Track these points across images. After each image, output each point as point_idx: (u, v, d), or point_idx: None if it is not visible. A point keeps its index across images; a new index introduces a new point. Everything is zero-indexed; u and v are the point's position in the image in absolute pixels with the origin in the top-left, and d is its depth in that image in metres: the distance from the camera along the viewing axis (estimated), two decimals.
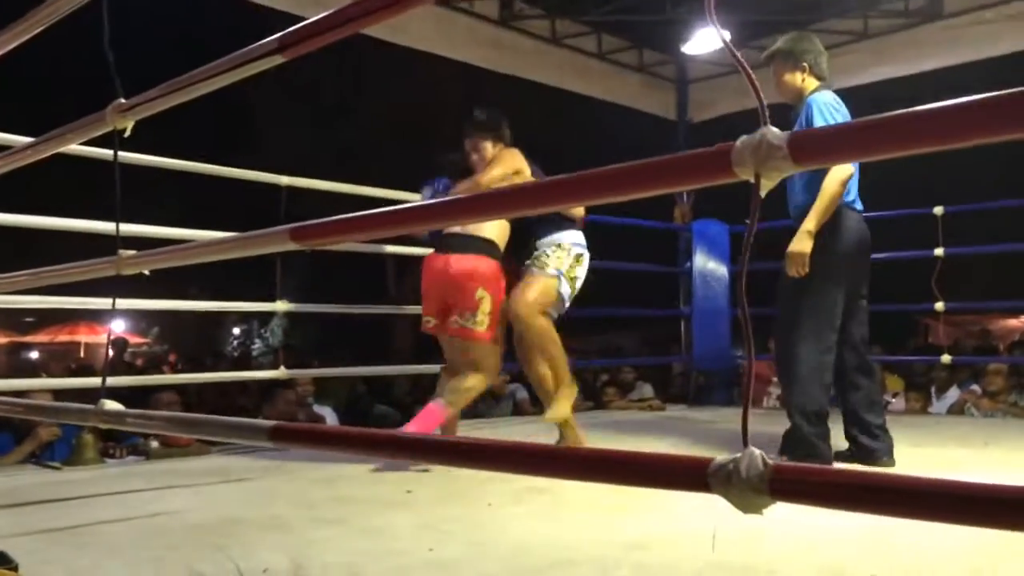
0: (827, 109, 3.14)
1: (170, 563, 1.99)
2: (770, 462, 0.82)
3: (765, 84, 0.96)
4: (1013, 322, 15.89)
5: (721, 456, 0.85)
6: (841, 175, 3.09)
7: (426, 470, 3.12)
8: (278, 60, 1.37)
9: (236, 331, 23.63)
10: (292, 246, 1.33)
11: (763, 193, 0.91)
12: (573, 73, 6.94)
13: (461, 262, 3.45)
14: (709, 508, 2.10)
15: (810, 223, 3.09)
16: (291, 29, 1.37)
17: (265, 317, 21.09)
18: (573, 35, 6.92)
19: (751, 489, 0.82)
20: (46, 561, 1.99)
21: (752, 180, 0.90)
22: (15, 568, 1.77)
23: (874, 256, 3.44)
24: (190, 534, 2.28)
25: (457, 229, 3.47)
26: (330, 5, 1.34)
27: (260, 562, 1.94)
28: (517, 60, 6.60)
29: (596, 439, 4.08)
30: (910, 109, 0.76)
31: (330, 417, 5.49)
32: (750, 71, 0.94)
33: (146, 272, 1.68)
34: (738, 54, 0.93)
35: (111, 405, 1.65)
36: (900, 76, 6.59)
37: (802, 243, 3.09)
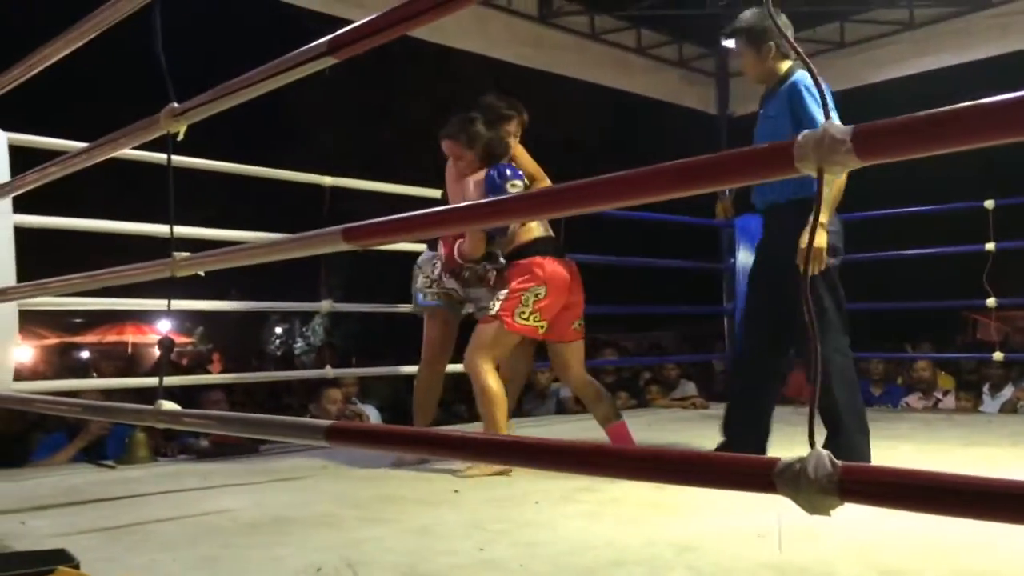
0: (811, 86, 2.99)
1: (224, 561, 2.02)
2: (838, 463, 0.81)
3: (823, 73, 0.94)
4: None
5: (787, 456, 0.84)
6: None
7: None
8: (330, 61, 1.38)
9: (278, 330, 23.89)
10: (345, 246, 1.34)
11: (826, 189, 0.89)
12: (613, 69, 6.90)
13: (573, 266, 3.45)
14: (758, 508, 2.09)
15: (824, 216, 2.91)
16: (341, 31, 1.38)
17: (306, 316, 21.30)
18: (612, 31, 6.88)
19: (820, 490, 0.80)
20: (104, 559, 2.03)
21: (815, 175, 0.88)
22: (76, 566, 1.81)
23: (924, 251, 3.37)
24: (242, 533, 2.31)
25: (545, 232, 3.43)
26: (367, 6, 1.34)
27: (312, 561, 1.95)
28: (556, 57, 6.58)
29: (641, 436, 4.05)
30: (977, 102, 0.74)
31: (374, 416, 5.53)
32: (810, 62, 0.93)
33: (201, 273, 1.71)
34: (798, 48, 0.91)
35: (168, 405, 1.67)
36: (948, 66, 6.45)
37: (821, 237, 2.93)
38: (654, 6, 6.62)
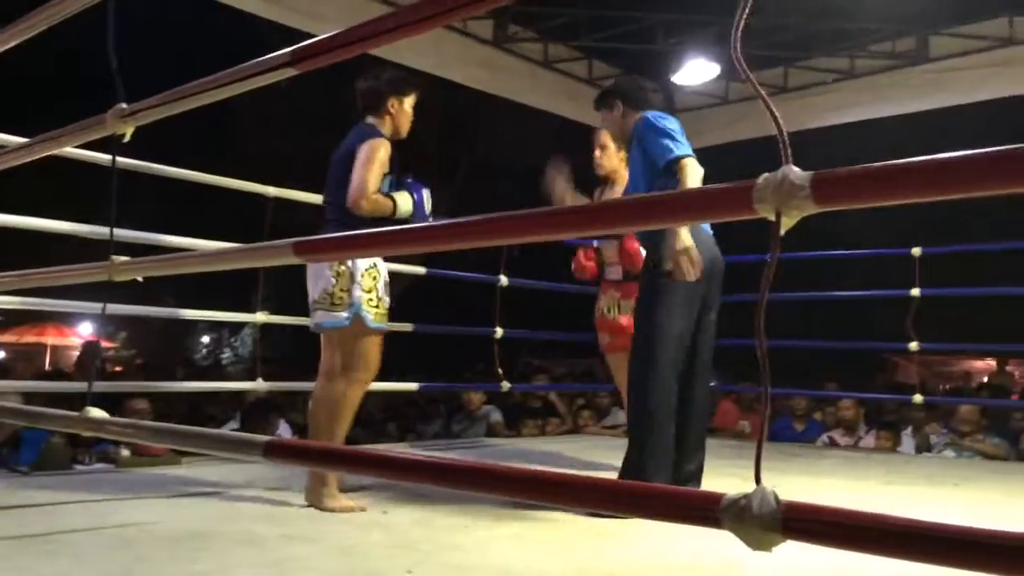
0: (656, 119, 3.06)
1: None
2: (782, 500, 0.82)
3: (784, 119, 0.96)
4: (979, 364, 16.13)
5: (733, 492, 0.85)
6: (698, 181, 2.94)
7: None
8: (290, 72, 1.37)
9: (205, 339, 23.34)
10: (295, 260, 1.32)
11: (783, 232, 0.91)
12: (564, 97, 6.98)
13: None
14: (694, 537, 2.11)
15: (684, 231, 2.90)
16: (305, 43, 1.37)
17: (235, 326, 20.86)
18: (565, 60, 6.97)
19: (763, 527, 0.81)
20: (14, 568, 1.95)
21: (772, 219, 0.90)
22: None
23: (853, 293, 3.44)
24: (159, 546, 2.24)
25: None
26: (329, 20, 1.34)
27: None
28: (509, 82, 6.63)
29: (578, 463, 4.07)
30: (937, 156, 0.77)
31: (286, 433, 5.41)
32: (772, 105, 0.95)
33: (139, 278, 1.66)
34: (762, 91, 0.93)
35: (96, 412, 1.62)
36: (885, 116, 6.71)
37: (685, 238, 2.89)
38: (606, 39, 6.72)
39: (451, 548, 2.34)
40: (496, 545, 2.40)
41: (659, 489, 0.90)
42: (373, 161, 2.97)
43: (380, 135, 3.06)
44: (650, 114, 3.11)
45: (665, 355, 2.94)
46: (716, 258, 3.11)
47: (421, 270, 5.15)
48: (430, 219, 3.14)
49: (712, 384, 3.24)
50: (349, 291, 2.97)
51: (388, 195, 3.01)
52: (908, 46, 6.43)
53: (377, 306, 3.03)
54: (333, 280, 2.98)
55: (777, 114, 0.90)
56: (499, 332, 5.07)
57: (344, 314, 2.97)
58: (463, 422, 6.61)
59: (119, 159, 2.42)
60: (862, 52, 6.63)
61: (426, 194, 3.12)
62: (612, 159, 3.80)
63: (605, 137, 3.82)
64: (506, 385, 5.12)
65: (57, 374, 8.06)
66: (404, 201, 3.02)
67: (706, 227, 3.14)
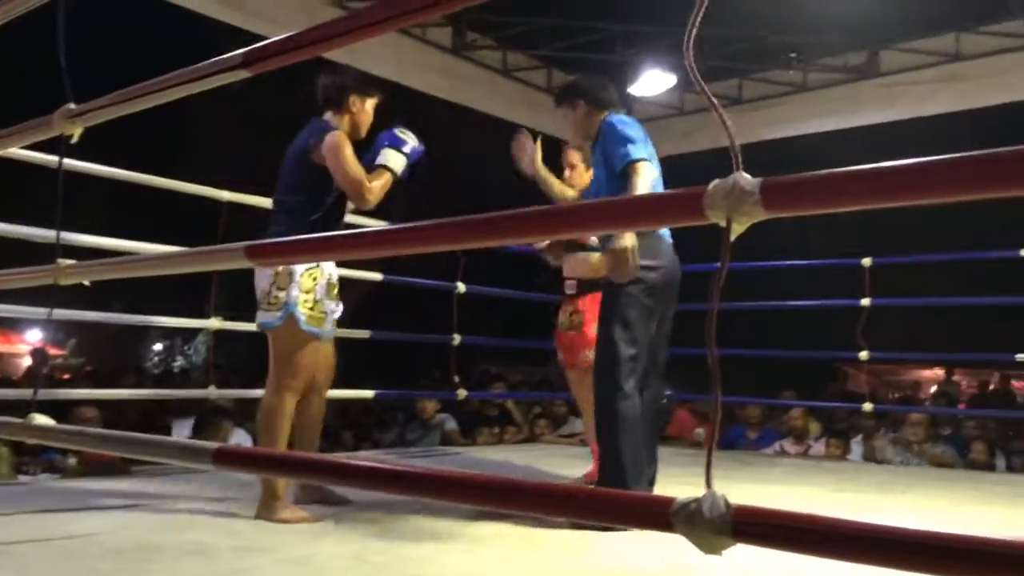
0: (619, 125, 3.03)
1: None
2: (732, 504, 0.83)
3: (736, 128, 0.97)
4: (927, 373, 16.48)
5: (684, 496, 0.85)
6: (648, 184, 2.90)
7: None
8: (243, 74, 1.35)
9: (158, 347, 22.92)
10: (247, 264, 1.30)
11: (733, 238, 0.92)
12: (524, 106, 7.00)
13: None
14: (659, 548, 2.12)
15: (628, 239, 2.89)
16: (259, 44, 1.35)
17: (188, 333, 20.53)
18: (524, 68, 7.00)
19: (713, 530, 0.82)
20: None
21: (723, 224, 0.91)
22: None
23: (804, 303, 3.46)
24: (107, 558, 2.19)
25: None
26: (282, 23, 1.33)
27: None
28: (468, 90, 6.64)
29: (534, 470, 4.06)
30: (888, 163, 0.78)
31: (246, 441, 5.34)
32: (724, 114, 0.96)
33: (86, 282, 1.62)
34: (716, 101, 0.94)
35: (41, 419, 1.57)
36: (837, 129, 6.85)
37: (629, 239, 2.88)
38: (565, 48, 6.77)
39: (405, 559, 2.32)
40: (450, 556, 2.39)
41: (611, 494, 0.90)
42: (343, 154, 2.86)
43: (335, 129, 2.96)
44: (614, 118, 3.08)
45: (626, 367, 2.90)
46: (675, 267, 3.10)
47: (378, 276, 5.12)
48: (421, 147, 3.03)
49: (668, 393, 3.24)
50: (286, 290, 2.87)
51: (378, 168, 2.91)
52: (860, 60, 6.58)
53: (313, 308, 2.90)
54: (271, 279, 2.89)
55: (728, 122, 0.91)
56: (456, 339, 5.05)
57: (277, 313, 2.87)
58: (417, 431, 6.57)
59: (68, 161, 2.37)
60: (815, 66, 6.77)
61: (401, 134, 2.99)
62: (583, 177, 3.71)
63: (574, 156, 3.78)
64: (462, 393, 5.11)
65: (3, 382, 7.86)
66: (395, 160, 2.93)
67: (666, 235, 3.12)
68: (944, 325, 11.22)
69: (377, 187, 2.89)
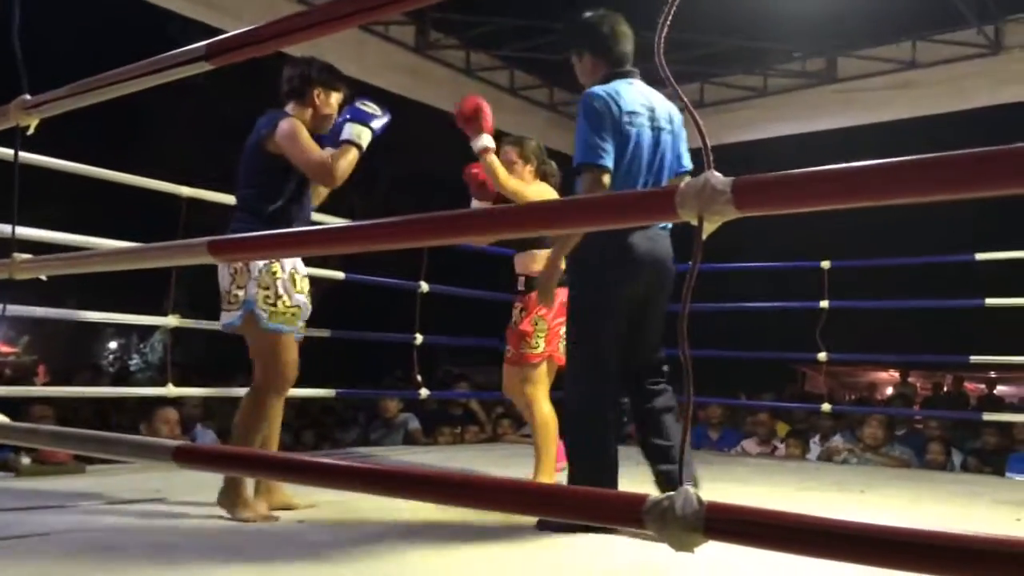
0: (594, 103, 2.73)
1: None
2: (705, 501, 0.83)
3: (707, 129, 0.98)
4: (883, 375, 16.77)
5: (656, 493, 0.85)
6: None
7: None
8: (205, 67, 1.33)
9: (112, 345, 22.53)
10: (209, 259, 1.28)
11: (704, 236, 0.93)
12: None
13: None
14: (629, 549, 2.12)
15: (564, 251, 2.81)
16: (220, 37, 1.33)
17: (144, 331, 20.20)
18: (487, 68, 6.99)
19: (685, 527, 0.82)
20: None
21: (695, 223, 0.92)
22: None
23: (764, 304, 3.46)
24: (63, 560, 2.15)
25: None
26: (246, 19, 1.32)
27: None
28: (431, 89, 6.61)
29: (497, 469, 4.05)
30: (857, 163, 0.79)
31: (211, 440, 5.28)
32: (696, 114, 0.96)
33: (43, 277, 1.58)
34: (687, 101, 0.94)
35: None
36: (796, 133, 6.95)
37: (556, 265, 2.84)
38: (529, 48, 6.77)
39: (370, 558, 2.30)
40: (418, 554, 2.37)
41: (584, 491, 0.90)
42: (300, 138, 2.76)
43: (289, 116, 2.86)
44: (592, 92, 2.77)
45: (592, 366, 2.80)
46: (657, 259, 2.84)
47: (340, 275, 5.08)
48: (388, 117, 2.92)
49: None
50: (244, 288, 2.77)
51: (343, 144, 2.79)
52: (818, 66, 6.69)
53: (275, 305, 2.78)
54: (230, 277, 2.80)
55: (700, 121, 0.91)
56: (419, 339, 5.03)
57: (238, 312, 2.78)
58: (380, 430, 6.54)
59: (24, 154, 2.32)
60: (774, 71, 6.86)
61: (365, 107, 2.87)
62: (523, 174, 3.58)
63: (511, 153, 3.61)
64: (425, 392, 5.09)
65: None
66: (360, 134, 2.80)
67: (643, 241, 2.79)
68: (900, 328, 11.45)
69: (343, 165, 2.77)
